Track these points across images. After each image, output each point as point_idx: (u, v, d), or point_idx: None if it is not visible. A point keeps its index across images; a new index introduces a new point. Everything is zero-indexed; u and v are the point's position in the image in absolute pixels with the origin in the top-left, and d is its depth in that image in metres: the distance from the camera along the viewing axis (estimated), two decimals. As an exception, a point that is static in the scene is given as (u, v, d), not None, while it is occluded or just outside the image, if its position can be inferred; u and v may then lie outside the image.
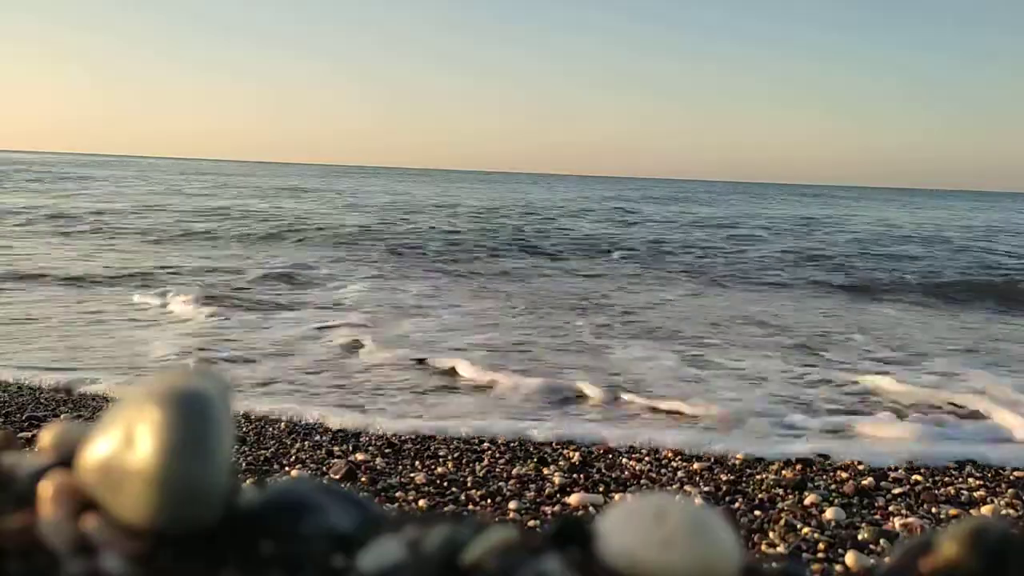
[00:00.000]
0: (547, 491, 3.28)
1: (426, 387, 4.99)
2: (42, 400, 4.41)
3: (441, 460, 3.61)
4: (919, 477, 3.56)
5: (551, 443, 3.91)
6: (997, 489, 3.47)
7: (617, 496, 3.27)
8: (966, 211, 42.78)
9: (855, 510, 3.16)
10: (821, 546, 2.79)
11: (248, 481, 0.49)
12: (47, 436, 0.52)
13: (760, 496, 3.26)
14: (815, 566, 2.63)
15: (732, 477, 3.48)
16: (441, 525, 0.45)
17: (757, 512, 3.10)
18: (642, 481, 3.46)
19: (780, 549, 2.77)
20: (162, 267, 10.33)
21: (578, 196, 40.21)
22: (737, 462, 3.69)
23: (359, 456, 3.62)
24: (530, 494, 3.25)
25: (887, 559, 0.48)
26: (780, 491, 3.32)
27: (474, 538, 0.44)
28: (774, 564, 0.49)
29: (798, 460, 3.71)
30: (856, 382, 5.37)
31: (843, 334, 7.24)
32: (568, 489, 3.30)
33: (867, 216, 31.86)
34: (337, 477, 3.35)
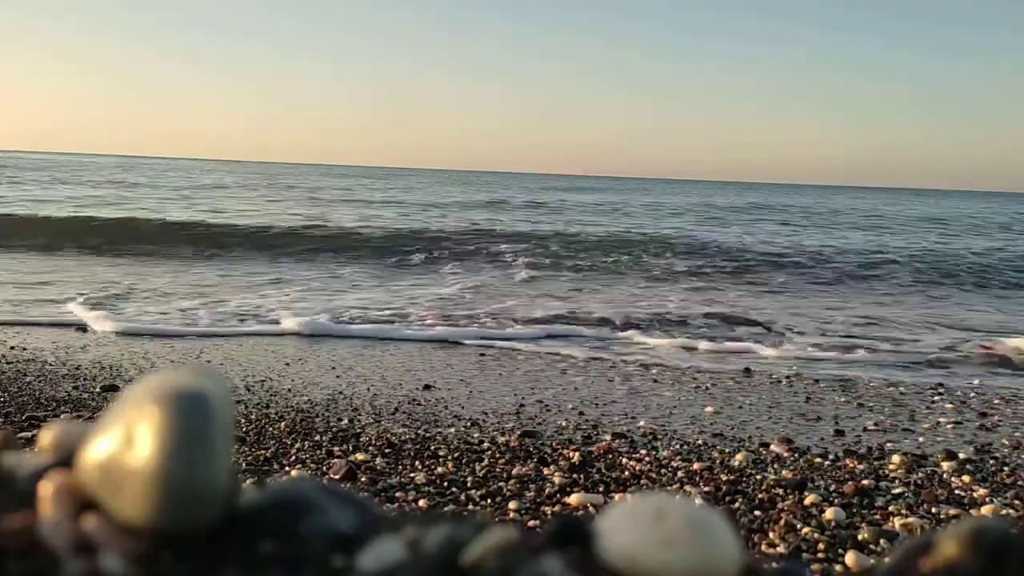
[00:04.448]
0: (547, 491, 3.28)
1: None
2: (42, 400, 4.41)
3: (441, 460, 3.61)
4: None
5: (551, 443, 3.91)
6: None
7: (617, 496, 3.27)
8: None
9: (855, 510, 3.16)
10: (821, 546, 2.79)
11: (248, 481, 0.49)
12: (47, 436, 0.52)
13: (760, 496, 3.26)
14: (815, 566, 2.63)
15: (732, 477, 3.48)
16: (441, 525, 0.45)
17: (757, 512, 3.10)
18: (642, 481, 3.45)
19: (780, 549, 2.77)
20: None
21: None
22: (737, 462, 3.69)
23: (359, 456, 3.62)
24: (530, 494, 3.24)
25: (887, 559, 0.48)
26: (780, 491, 3.31)
27: (474, 538, 0.44)
28: (774, 564, 0.49)
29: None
30: None
31: None
32: (568, 489, 3.30)
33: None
34: (337, 477, 3.34)
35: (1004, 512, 3.23)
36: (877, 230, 23.16)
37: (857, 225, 25.01)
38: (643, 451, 3.85)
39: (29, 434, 3.64)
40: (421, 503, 3.14)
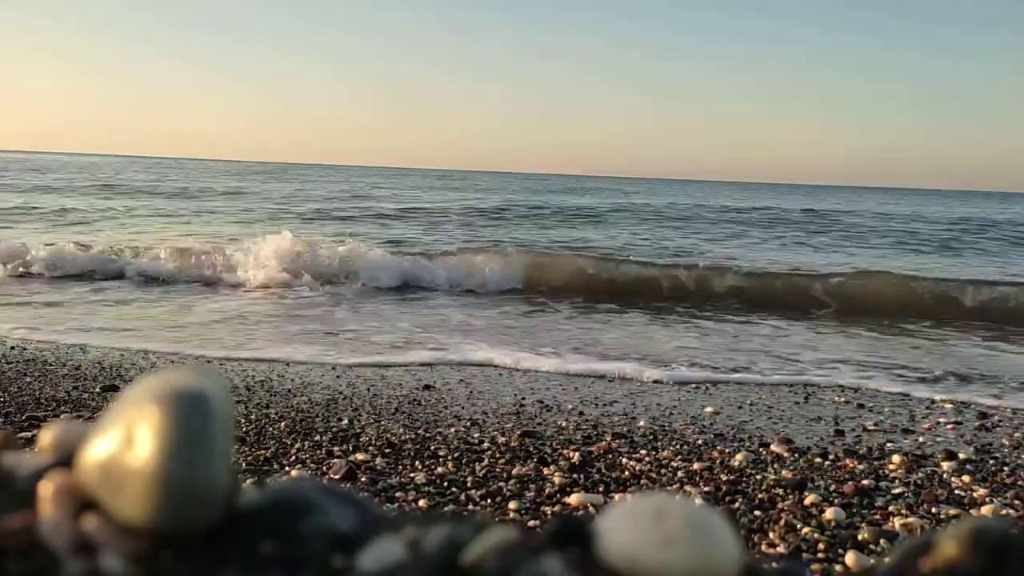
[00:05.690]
0: (547, 491, 3.28)
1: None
2: (42, 400, 4.41)
3: (441, 460, 3.61)
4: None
5: (551, 443, 3.91)
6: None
7: (617, 496, 3.27)
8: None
9: (855, 510, 3.16)
10: (821, 546, 2.79)
11: (248, 481, 0.49)
12: (47, 436, 0.52)
13: (760, 496, 3.26)
14: (815, 566, 2.63)
15: (732, 477, 3.48)
16: (441, 525, 0.45)
17: (757, 512, 3.10)
18: (642, 481, 3.45)
19: (780, 549, 2.77)
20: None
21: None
22: (737, 462, 3.69)
23: (359, 456, 3.62)
24: (530, 494, 3.24)
25: (887, 559, 0.48)
26: (780, 491, 3.31)
27: (474, 538, 0.44)
28: (774, 564, 0.49)
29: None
30: None
31: None
32: (568, 489, 3.30)
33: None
34: (337, 477, 3.34)
35: (1004, 512, 3.23)
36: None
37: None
38: (643, 451, 3.85)
39: (29, 434, 3.64)
40: (421, 503, 3.14)
